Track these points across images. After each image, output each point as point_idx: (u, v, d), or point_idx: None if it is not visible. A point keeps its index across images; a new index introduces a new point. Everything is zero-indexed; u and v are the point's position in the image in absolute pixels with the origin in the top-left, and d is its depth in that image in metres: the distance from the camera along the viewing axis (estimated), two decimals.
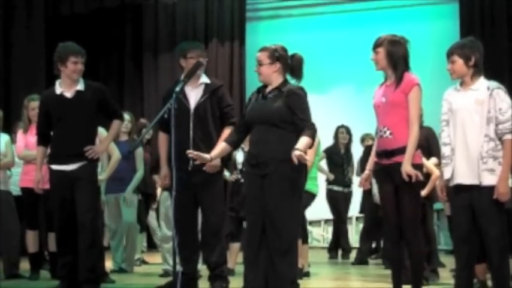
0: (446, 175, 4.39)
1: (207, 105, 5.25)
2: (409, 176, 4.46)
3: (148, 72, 11.56)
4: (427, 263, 5.84)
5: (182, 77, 4.82)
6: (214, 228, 5.26)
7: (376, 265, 8.26)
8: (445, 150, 4.43)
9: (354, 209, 9.62)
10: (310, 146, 4.48)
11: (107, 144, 5.61)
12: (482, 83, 4.36)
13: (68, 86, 5.31)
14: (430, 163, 5.97)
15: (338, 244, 9.38)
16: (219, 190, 5.33)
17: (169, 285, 5.39)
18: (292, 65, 4.67)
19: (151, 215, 8.71)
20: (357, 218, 10.74)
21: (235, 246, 6.85)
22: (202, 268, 5.98)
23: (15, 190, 6.86)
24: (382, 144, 4.65)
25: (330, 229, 10.42)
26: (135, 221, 7.22)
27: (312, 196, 6.71)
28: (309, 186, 6.10)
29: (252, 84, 8.67)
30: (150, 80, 11.50)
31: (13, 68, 9.94)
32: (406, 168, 4.47)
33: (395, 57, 4.62)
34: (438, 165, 5.52)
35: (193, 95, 5.27)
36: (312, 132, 4.44)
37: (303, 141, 4.35)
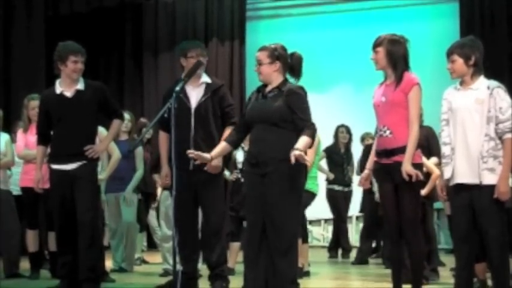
0: (447, 174, 4.39)
1: (208, 104, 5.25)
2: (409, 176, 4.46)
3: (148, 72, 11.56)
4: (427, 262, 5.84)
5: (183, 76, 4.82)
6: (215, 227, 5.26)
7: (376, 264, 8.25)
8: (445, 150, 4.43)
9: (354, 208, 9.62)
10: (310, 146, 4.48)
11: (107, 144, 5.61)
12: (482, 82, 4.36)
13: (68, 85, 5.31)
14: (430, 162, 5.97)
15: (338, 243, 9.39)
16: (219, 190, 5.33)
17: (169, 284, 5.40)
18: (291, 63, 4.67)
19: (152, 214, 8.71)
20: (357, 218, 10.73)
21: (235, 245, 6.86)
22: (203, 267, 5.98)
23: (15, 189, 6.86)
24: (382, 144, 4.65)
25: (330, 228, 10.42)
26: (134, 220, 7.23)
27: (312, 195, 6.71)
28: (309, 185, 6.11)
29: (252, 83, 8.66)
30: (150, 79, 11.51)
31: (13, 68, 9.94)
32: (407, 168, 4.46)
33: (395, 56, 4.62)
34: (438, 164, 5.52)
35: (194, 94, 5.27)
36: (312, 132, 4.43)
37: (303, 140, 4.35)
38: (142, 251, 8.71)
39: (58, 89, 5.33)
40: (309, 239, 8.70)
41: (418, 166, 4.56)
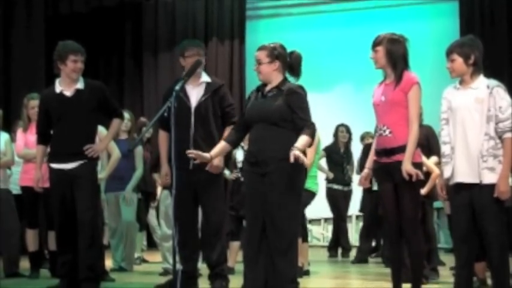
0: (446, 174, 4.39)
1: (209, 104, 5.25)
2: (409, 175, 4.46)
3: (148, 71, 11.56)
4: (427, 262, 5.84)
5: (183, 75, 4.82)
6: (215, 227, 5.26)
7: (376, 264, 8.26)
8: (445, 149, 4.42)
9: (354, 207, 9.61)
10: (310, 145, 4.48)
11: (106, 143, 5.61)
12: (481, 81, 4.36)
13: (67, 84, 5.31)
14: (430, 162, 5.97)
15: (338, 243, 9.39)
16: (219, 189, 5.33)
17: (169, 283, 5.39)
18: (290, 62, 4.67)
19: (151, 214, 8.71)
20: (357, 217, 10.73)
21: (235, 244, 6.86)
22: (203, 267, 5.98)
23: (15, 189, 6.85)
24: (381, 143, 4.65)
25: (330, 228, 10.43)
26: (134, 219, 7.23)
27: (311, 194, 6.71)
28: (308, 184, 6.11)
29: (252, 82, 8.68)
30: (150, 78, 11.51)
31: (13, 68, 9.93)
32: (407, 167, 4.46)
33: (395, 55, 4.62)
34: (438, 163, 5.52)
35: (195, 93, 5.27)
36: (312, 132, 4.43)
37: (302, 140, 4.35)
38: (142, 250, 8.71)
39: (58, 88, 5.33)
40: (309, 238, 8.70)
41: (418, 165, 4.56)
